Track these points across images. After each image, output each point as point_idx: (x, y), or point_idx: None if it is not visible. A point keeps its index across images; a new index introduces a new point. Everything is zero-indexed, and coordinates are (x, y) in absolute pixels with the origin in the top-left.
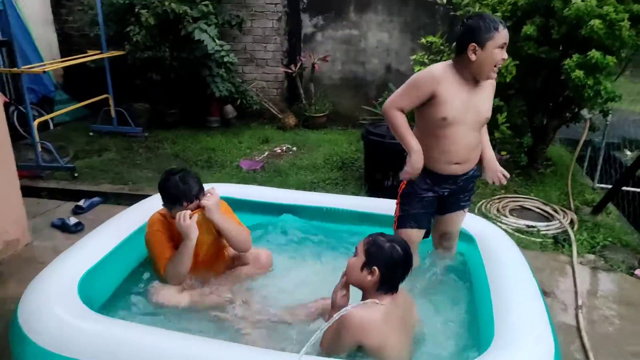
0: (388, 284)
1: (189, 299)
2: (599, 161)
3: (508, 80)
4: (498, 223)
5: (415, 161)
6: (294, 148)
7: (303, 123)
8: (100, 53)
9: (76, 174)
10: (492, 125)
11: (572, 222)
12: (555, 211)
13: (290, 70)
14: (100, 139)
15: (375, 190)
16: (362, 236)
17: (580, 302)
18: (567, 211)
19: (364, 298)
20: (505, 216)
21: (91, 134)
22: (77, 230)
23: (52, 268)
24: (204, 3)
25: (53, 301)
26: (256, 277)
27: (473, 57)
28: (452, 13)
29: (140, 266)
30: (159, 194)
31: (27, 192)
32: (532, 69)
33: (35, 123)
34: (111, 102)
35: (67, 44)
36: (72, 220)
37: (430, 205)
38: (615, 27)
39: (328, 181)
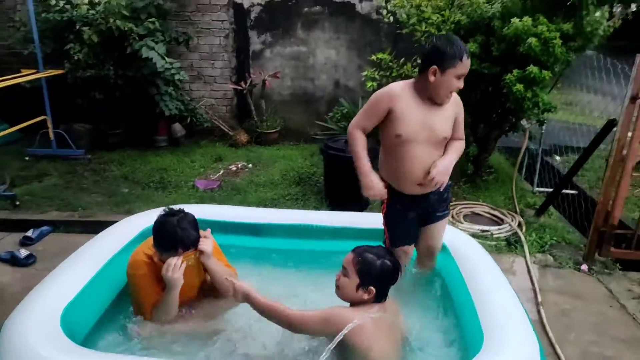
0: (380, 296)
1: (178, 329)
2: (537, 167)
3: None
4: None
5: (365, 184)
6: (250, 165)
7: (255, 140)
8: (36, 72)
9: (17, 202)
10: None
11: (520, 225)
12: (504, 215)
13: (240, 87)
14: (37, 163)
15: (337, 204)
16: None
17: (540, 299)
18: (514, 215)
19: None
20: (460, 222)
21: (27, 158)
22: (28, 263)
23: (31, 300)
24: (150, 20)
25: (36, 336)
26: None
27: (432, 78)
28: (398, 31)
29: (120, 296)
30: (126, 221)
31: None
32: (474, 84)
33: None
34: (49, 123)
35: None
36: (23, 252)
37: (415, 221)
38: (549, 45)
39: (288, 197)
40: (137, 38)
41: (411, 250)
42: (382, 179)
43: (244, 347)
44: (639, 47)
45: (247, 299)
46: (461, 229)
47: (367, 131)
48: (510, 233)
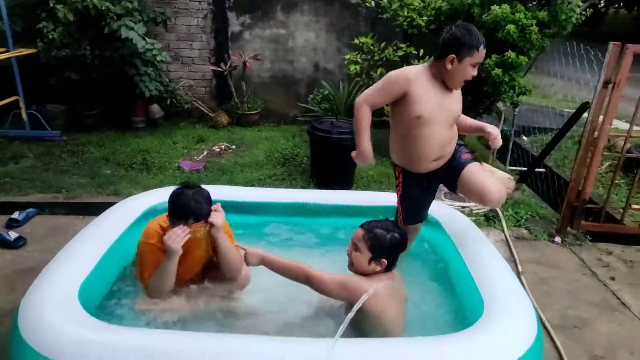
0: (390, 266)
1: (180, 308)
2: (510, 147)
3: None
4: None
5: (361, 151)
6: (233, 146)
7: (236, 121)
8: (7, 51)
9: None
10: None
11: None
12: None
13: (221, 69)
14: (10, 145)
15: (323, 184)
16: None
17: (520, 269)
18: None
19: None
20: (442, 199)
21: None
22: (19, 245)
23: (48, 275)
24: (128, 0)
25: (56, 311)
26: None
27: (449, 66)
28: (378, 16)
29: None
30: (131, 199)
31: None
32: None
33: None
34: (22, 104)
35: None
36: (12, 234)
37: (428, 198)
38: (527, 31)
39: (274, 177)
40: (114, 17)
41: (420, 226)
42: (394, 164)
43: (250, 324)
44: (602, 34)
45: (263, 260)
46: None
47: (375, 108)
48: (488, 209)
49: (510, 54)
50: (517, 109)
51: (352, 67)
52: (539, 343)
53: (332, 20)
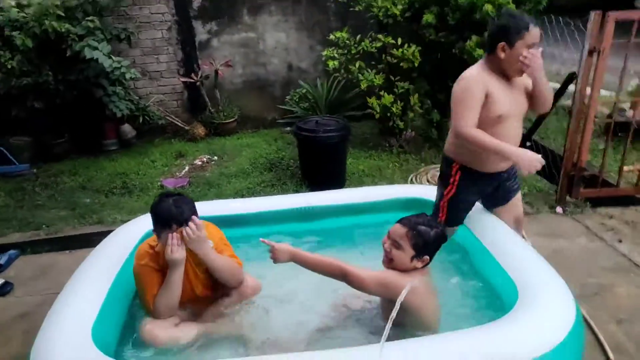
0: (430, 261)
1: (196, 331)
2: None
3: (416, 65)
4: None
5: (525, 166)
6: (215, 157)
7: (214, 131)
8: None
9: None
10: (406, 106)
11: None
12: None
13: (192, 80)
14: None
15: (316, 185)
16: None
17: (530, 244)
18: None
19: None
20: (427, 183)
21: None
22: (6, 291)
23: (56, 319)
24: (89, 19)
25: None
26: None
27: (502, 55)
28: (350, 9)
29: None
30: (126, 225)
31: None
32: (430, 53)
33: None
34: None
35: None
36: None
37: (474, 202)
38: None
39: (263, 184)
40: (76, 39)
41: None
42: (454, 162)
43: (272, 340)
44: (580, 6)
45: (293, 256)
46: None
47: (477, 125)
48: None
49: None
50: None
51: (331, 63)
52: (580, 322)
53: (301, 18)
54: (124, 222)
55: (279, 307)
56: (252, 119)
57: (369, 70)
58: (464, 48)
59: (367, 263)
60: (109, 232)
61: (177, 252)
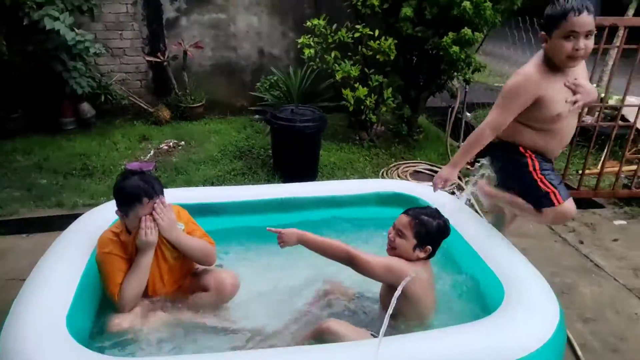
0: (434, 253)
1: (169, 321)
2: (462, 123)
3: (392, 58)
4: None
5: (445, 176)
6: (182, 142)
7: (180, 115)
8: None
9: None
10: (379, 100)
11: (459, 177)
12: None
13: (159, 59)
14: None
15: (289, 176)
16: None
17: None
18: None
19: None
20: (408, 180)
21: None
22: None
23: (25, 308)
24: None
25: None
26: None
27: (545, 46)
28: None
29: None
30: (94, 211)
31: None
32: (405, 47)
33: None
34: None
35: None
36: None
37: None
38: (481, 8)
39: (234, 172)
40: (34, 7)
41: None
42: (524, 149)
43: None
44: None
45: (301, 239)
46: None
47: (503, 127)
48: (454, 186)
49: (466, 30)
50: (467, 86)
51: (307, 51)
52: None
53: (274, 2)
54: (85, 206)
55: (259, 300)
56: (220, 104)
57: (345, 61)
58: (440, 44)
59: None
60: (70, 216)
61: (151, 235)
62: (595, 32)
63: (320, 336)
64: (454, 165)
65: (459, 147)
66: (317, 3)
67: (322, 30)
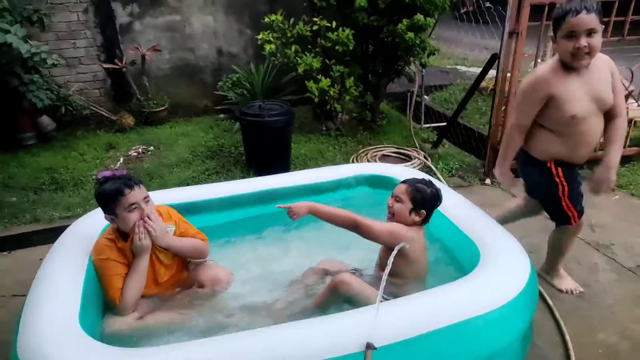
0: (427, 219)
1: (167, 319)
2: (422, 106)
3: (351, 48)
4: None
5: (498, 175)
6: (151, 148)
7: (144, 121)
8: None
9: None
10: (342, 90)
11: (426, 157)
12: (410, 152)
13: (117, 66)
14: None
15: (262, 170)
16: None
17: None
18: (418, 150)
19: None
20: (375, 161)
21: None
22: None
23: (36, 309)
24: None
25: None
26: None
27: (554, 46)
28: None
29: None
30: (85, 217)
31: None
32: (361, 37)
33: None
34: None
35: None
36: None
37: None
38: None
39: (208, 172)
40: None
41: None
42: (546, 161)
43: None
44: None
45: (311, 209)
46: None
47: (527, 128)
48: (421, 165)
49: (419, 17)
50: (424, 70)
51: (268, 47)
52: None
53: (228, 1)
54: (63, 218)
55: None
56: (183, 106)
57: (306, 54)
58: (395, 31)
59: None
60: (49, 230)
61: (145, 239)
62: (598, 29)
63: (336, 290)
64: (500, 165)
65: (421, 129)
66: (270, 0)
67: (280, 25)
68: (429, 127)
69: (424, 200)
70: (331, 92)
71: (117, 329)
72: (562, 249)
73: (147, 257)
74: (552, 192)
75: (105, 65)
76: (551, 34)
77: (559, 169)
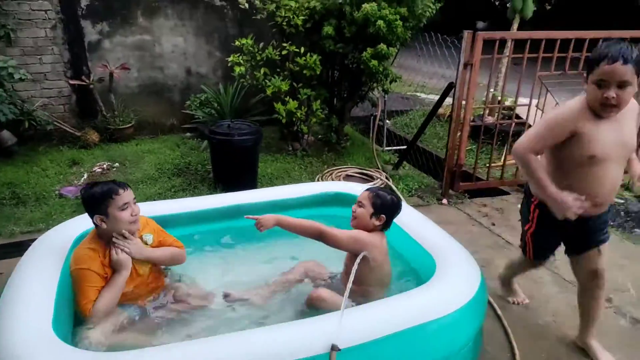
0: (387, 225)
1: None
2: (384, 130)
3: (318, 72)
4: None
5: (561, 205)
6: (116, 164)
7: (109, 138)
8: None
9: None
10: (308, 112)
11: (387, 178)
12: (372, 172)
13: (84, 82)
14: None
15: (229, 187)
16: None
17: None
18: (380, 171)
19: None
20: (340, 180)
21: None
22: None
23: (9, 314)
24: None
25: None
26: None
27: (584, 86)
28: (253, 17)
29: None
30: (58, 227)
31: None
32: (328, 62)
33: None
34: None
35: None
36: None
37: (560, 240)
38: (393, 26)
39: (174, 189)
40: None
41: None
42: (533, 197)
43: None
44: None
45: (278, 221)
46: None
47: (539, 154)
48: (383, 185)
49: (382, 46)
50: (386, 95)
51: (237, 69)
52: (483, 282)
53: (198, 23)
54: (24, 233)
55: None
56: (150, 124)
57: (275, 77)
58: (360, 58)
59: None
60: (10, 244)
61: (122, 253)
62: (632, 82)
63: (312, 306)
64: (553, 198)
65: (383, 151)
66: (240, 23)
67: (250, 49)
68: (391, 149)
69: (384, 206)
70: (298, 114)
71: (93, 336)
72: (515, 270)
73: (125, 274)
74: (523, 221)
75: (72, 82)
76: (502, 64)
77: (537, 211)
